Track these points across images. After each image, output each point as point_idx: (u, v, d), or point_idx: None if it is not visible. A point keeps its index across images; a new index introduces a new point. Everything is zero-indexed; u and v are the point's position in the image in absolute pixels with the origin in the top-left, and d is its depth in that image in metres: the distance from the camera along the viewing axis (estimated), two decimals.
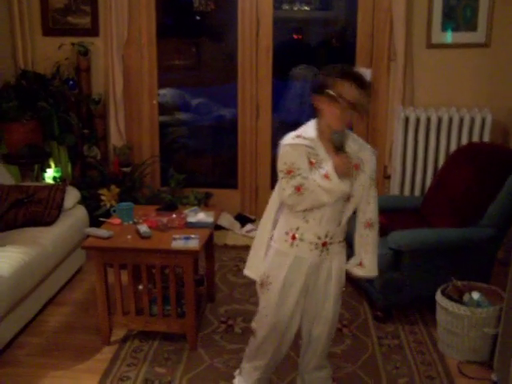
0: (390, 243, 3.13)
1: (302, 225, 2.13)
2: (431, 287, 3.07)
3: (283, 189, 2.07)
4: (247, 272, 2.28)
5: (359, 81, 1.98)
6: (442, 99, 4.31)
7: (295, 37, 5.21)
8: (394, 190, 4.39)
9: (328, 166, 2.01)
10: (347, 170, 2.01)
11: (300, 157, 2.05)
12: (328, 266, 2.19)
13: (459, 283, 3.00)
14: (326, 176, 2.00)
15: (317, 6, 5.06)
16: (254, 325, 2.33)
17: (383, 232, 3.32)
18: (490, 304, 2.88)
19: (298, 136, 2.08)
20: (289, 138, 2.09)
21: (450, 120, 4.18)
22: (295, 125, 2.18)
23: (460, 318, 2.82)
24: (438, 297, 2.96)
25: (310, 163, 2.05)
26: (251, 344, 2.37)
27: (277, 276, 2.18)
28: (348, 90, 1.97)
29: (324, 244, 2.14)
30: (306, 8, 4.95)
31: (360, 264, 2.24)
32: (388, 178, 4.51)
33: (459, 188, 3.42)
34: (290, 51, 4.96)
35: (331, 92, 1.97)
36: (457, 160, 3.64)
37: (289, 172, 2.05)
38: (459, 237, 3.21)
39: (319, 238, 2.13)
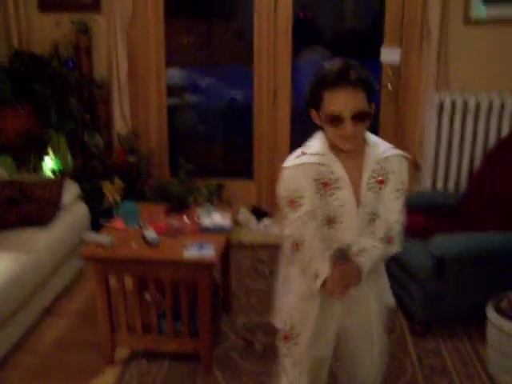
0: (432, 250, 2.74)
1: None
2: (478, 299, 2.69)
3: (284, 226, 1.70)
4: (272, 320, 1.92)
5: (348, 81, 1.55)
6: (481, 82, 3.85)
7: (309, 16, 4.76)
8: (425, 183, 3.98)
9: (325, 268, 1.63)
10: (340, 290, 1.61)
11: (306, 181, 1.64)
12: (365, 302, 1.80)
13: None
14: (316, 276, 1.65)
15: None
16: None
17: (422, 235, 2.97)
18: None
19: (304, 153, 1.68)
20: (291, 158, 1.69)
21: (490, 105, 3.74)
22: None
23: None
24: (490, 313, 2.56)
25: (325, 185, 1.65)
26: None
27: (304, 324, 1.79)
28: (341, 100, 1.56)
29: None
30: None
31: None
32: (418, 169, 4.10)
33: (507, 184, 3.02)
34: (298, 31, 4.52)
35: (327, 113, 1.59)
36: (503, 151, 3.23)
37: (292, 203, 1.66)
38: None
39: None
